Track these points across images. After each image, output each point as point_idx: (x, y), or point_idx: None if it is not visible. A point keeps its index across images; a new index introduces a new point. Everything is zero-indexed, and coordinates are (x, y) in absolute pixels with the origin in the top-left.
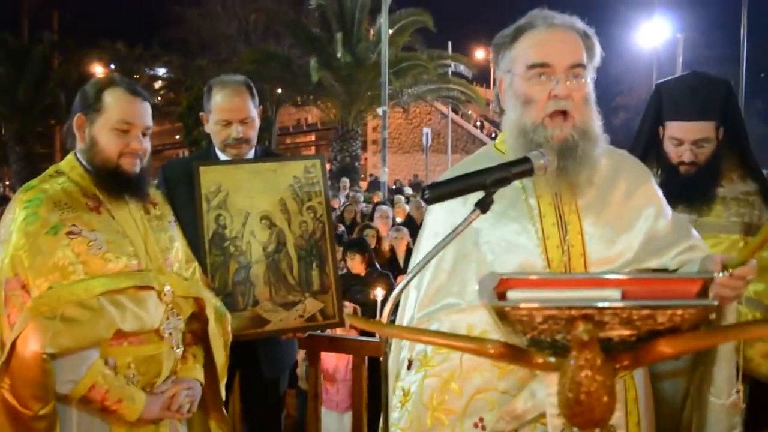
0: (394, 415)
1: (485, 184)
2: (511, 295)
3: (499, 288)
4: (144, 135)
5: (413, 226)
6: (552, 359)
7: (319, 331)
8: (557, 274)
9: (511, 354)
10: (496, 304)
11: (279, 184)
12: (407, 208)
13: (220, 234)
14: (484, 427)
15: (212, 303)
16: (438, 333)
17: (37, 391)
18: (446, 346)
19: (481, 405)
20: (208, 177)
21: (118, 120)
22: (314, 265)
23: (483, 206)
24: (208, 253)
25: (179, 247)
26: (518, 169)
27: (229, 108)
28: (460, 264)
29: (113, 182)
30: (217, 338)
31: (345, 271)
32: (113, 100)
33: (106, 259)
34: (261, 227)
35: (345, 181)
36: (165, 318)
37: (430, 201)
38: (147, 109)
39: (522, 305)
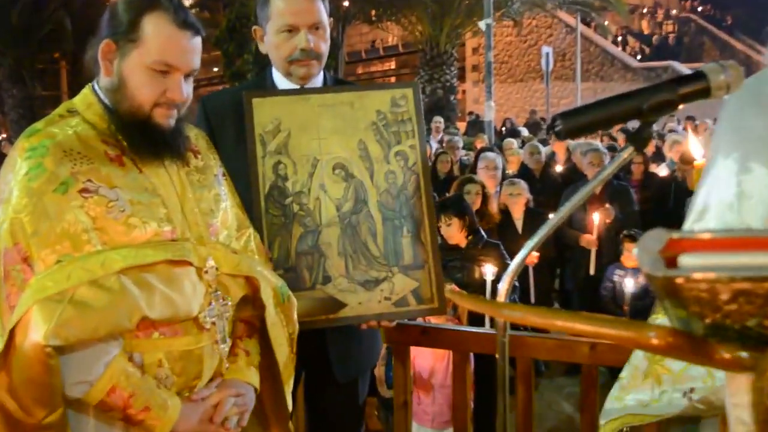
0: None
1: (641, 110)
2: (685, 261)
3: (668, 251)
4: (187, 78)
5: (530, 179)
6: (743, 354)
7: (408, 320)
8: (752, 229)
9: (683, 346)
10: (660, 274)
11: (358, 122)
12: (522, 155)
13: (279, 188)
14: (690, 399)
15: (271, 283)
16: (578, 315)
17: (41, 394)
18: (590, 334)
19: (697, 374)
20: (264, 111)
21: (158, 59)
22: (405, 230)
23: (639, 141)
24: (264, 212)
25: (228, 208)
26: (688, 88)
27: (295, 10)
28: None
29: (141, 138)
30: (278, 329)
31: (438, 241)
32: (155, 31)
33: (129, 225)
34: (334, 179)
35: (437, 121)
36: (207, 303)
37: (564, 134)
38: (197, 46)
39: (697, 275)
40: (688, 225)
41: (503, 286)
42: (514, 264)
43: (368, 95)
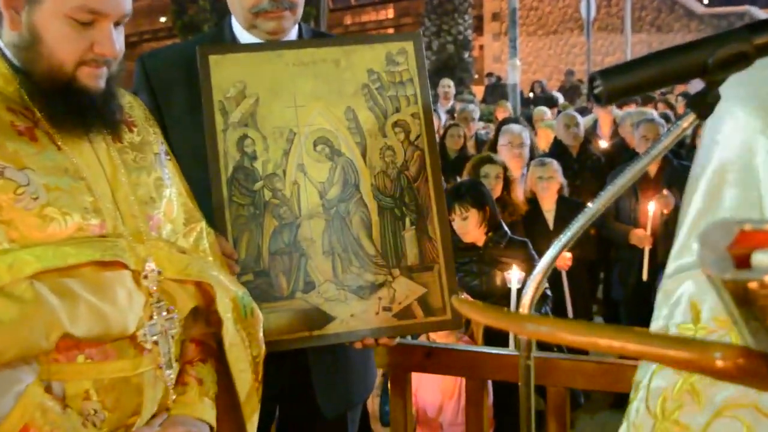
0: None
1: (705, 66)
2: (760, 259)
3: (738, 247)
4: (117, 27)
5: (566, 158)
6: None
7: (409, 337)
8: None
9: (758, 370)
10: (728, 277)
11: (345, 85)
12: (556, 128)
13: (246, 169)
14: None
15: (229, 291)
16: (626, 331)
17: None
18: (640, 355)
19: (729, 428)
20: (225, 72)
21: (80, 4)
22: (408, 221)
23: (703, 107)
24: (226, 202)
25: (173, 196)
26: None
27: None
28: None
29: (63, 106)
30: (238, 351)
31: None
32: None
33: (45, 217)
34: (316, 157)
35: (447, 86)
36: (147, 316)
37: (606, 98)
38: None
39: None
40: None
41: (528, 294)
42: (541, 265)
43: (357, 50)
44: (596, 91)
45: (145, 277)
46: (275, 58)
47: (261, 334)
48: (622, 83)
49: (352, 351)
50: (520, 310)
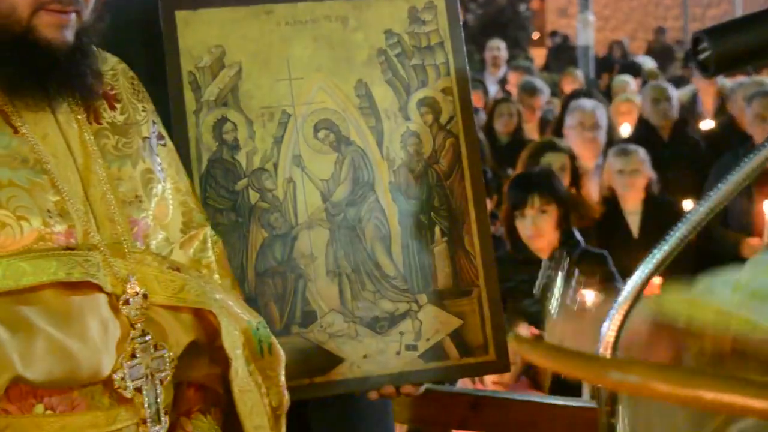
0: None
1: None
2: None
3: None
4: None
5: (654, 143)
6: None
7: (445, 383)
8: None
9: None
10: None
11: (355, 50)
12: (641, 103)
13: (225, 162)
14: None
15: (240, 321)
16: (741, 382)
17: None
18: (760, 412)
19: None
20: (197, 33)
21: None
22: (438, 231)
23: None
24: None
25: (168, 193)
26: None
27: None
28: None
29: (16, 66)
30: (252, 399)
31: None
32: None
33: None
34: (317, 147)
35: (496, 48)
36: (128, 355)
37: (715, 66)
38: None
39: None
40: None
41: (610, 328)
42: (627, 292)
43: (372, 5)
44: (702, 56)
45: (126, 302)
46: (263, 15)
47: (283, 378)
48: (738, 47)
49: (366, 403)
50: (601, 350)
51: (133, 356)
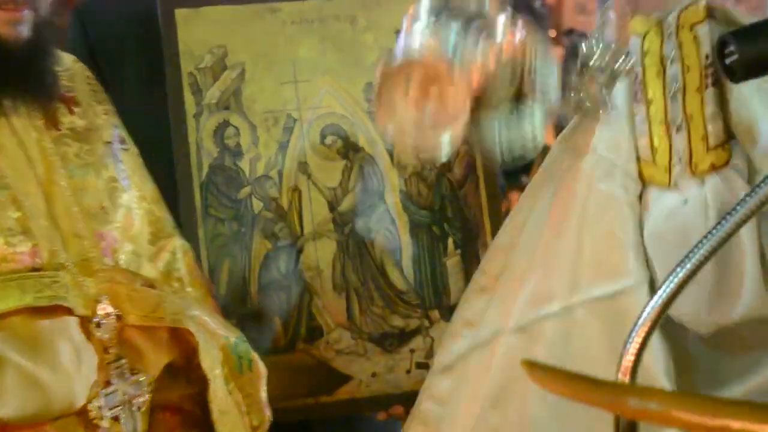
0: None
1: None
2: None
3: None
4: None
5: None
6: None
7: None
8: None
9: None
10: None
11: (364, 52)
12: None
13: (227, 170)
14: None
15: (218, 338)
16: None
17: None
18: None
19: None
20: (198, 32)
21: None
22: (451, 243)
23: None
24: (200, 215)
25: (134, 202)
26: None
27: None
28: None
29: None
30: (232, 420)
31: None
32: None
33: None
34: (324, 153)
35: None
36: (102, 381)
37: (742, 71)
38: None
39: None
40: None
41: (630, 353)
42: (647, 312)
43: (381, 3)
44: (729, 61)
45: (98, 325)
46: (267, 14)
47: (264, 395)
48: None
49: (374, 424)
50: (620, 376)
51: (108, 383)
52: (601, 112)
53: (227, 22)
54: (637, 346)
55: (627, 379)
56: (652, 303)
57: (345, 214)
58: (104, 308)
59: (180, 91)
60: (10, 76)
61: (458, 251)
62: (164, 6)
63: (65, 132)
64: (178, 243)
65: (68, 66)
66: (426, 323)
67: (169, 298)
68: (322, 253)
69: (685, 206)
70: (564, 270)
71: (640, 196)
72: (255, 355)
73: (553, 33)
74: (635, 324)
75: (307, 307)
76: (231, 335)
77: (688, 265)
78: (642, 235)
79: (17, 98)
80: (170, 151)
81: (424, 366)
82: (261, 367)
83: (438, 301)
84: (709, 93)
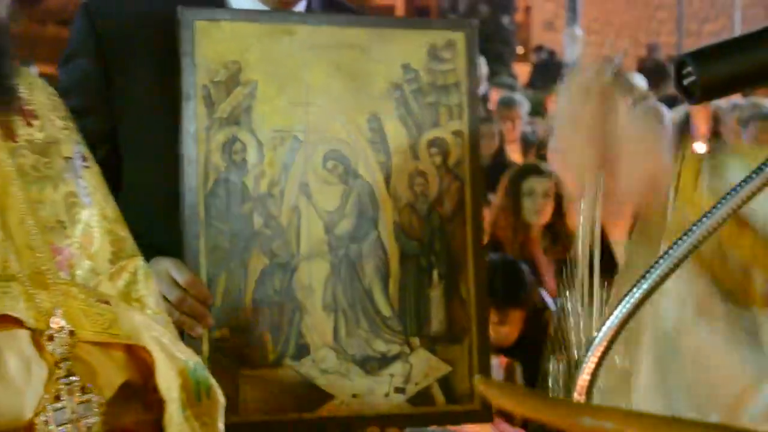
0: None
1: None
2: None
3: None
4: None
5: None
6: None
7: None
8: None
9: None
10: None
11: (371, 82)
12: None
13: (231, 185)
14: None
15: (175, 360)
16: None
17: None
18: None
19: None
20: (216, 46)
21: None
22: (436, 275)
23: None
24: (203, 226)
25: (94, 220)
26: None
27: None
28: None
29: None
30: None
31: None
32: None
33: None
34: (325, 177)
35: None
36: (52, 397)
37: (701, 93)
38: None
39: None
40: None
41: (585, 372)
42: (603, 332)
43: (393, 37)
44: (686, 81)
45: (50, 338)
46: (284, 35)
47: (221, 425)
48: (726, 72)
49: None
50: (575, 395)
51: (58, 398)
52: None
53: (244, 39)
54: (593, 366)
55: (582, 399)
56: (608, 323)
57: (340, 237)
58: (57, 322)
59: (194, 102)
60: None
61: (442, 283)
62: (184, 16)
63: (22, 144)
64: (140, 264)
65: (29, 79)
66: (407, 350)
67: (125, 315)
68: (315, 273)
69: None
70: None
71: None
72: (214, 382)
73: (521, 49)
74: (591, 344)
75: (297, 325)
76: (190, 360)
77: (645, 286)
78: None
79: None
80: (172, 157)
81: (401, 391)
82: (219, 396)
83: (419, 330)
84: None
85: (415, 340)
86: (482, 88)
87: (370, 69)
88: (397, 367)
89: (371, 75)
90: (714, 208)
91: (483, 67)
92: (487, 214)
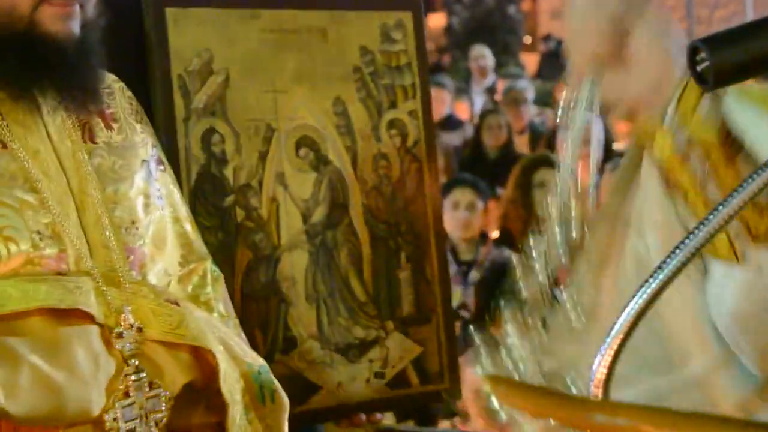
0: None
1: None
2: None
3: None
4: None
5: None
6: None
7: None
8: None
9: None
10: None
11: (333, 65)
12: None
13: (214, 178)
14: None
15: (240, 364)
16: (740, 424)
17: None
18: None
19: None
20: (187, 34)
21: None
22: (403, 256)
23: None
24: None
25: (167, 222)
26: None
27: None
28: None
29: (17, 63)
30: None
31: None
32: None
33: None
34: (298, 165)
35: (481, 56)
36: (121, 393)
37: (714, 80)
38: None
39: None
40: None
41: (601, 367)
42: (619, 324)
43: (348, 19)
44: (700, 68)
45: (120, 335)
46: (249, 21)
47: (286, 428)
48: (740, 57)
49: None
50: (592, 389)
51: (127, 394)
52: None
53: (213, 25)
54: (609, 359)
55: (600, 393)
56: (624, 315)
57: (316, 225)
58: (127, 320)
59: (170, 93)
60: (67, 78)
61: (409, 265)
62: (153, 4)
63: (101, 145)
64: (209, 268)
65: (108, 83)
66: (383, 333)
67: (193, 317)
68: (296, 263)
69: (762, 274)
70: None
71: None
72: (278, 386)
73: (528, 39)
74: (608, 336)
75: (284, 317)
76: (255, 363)
77: (661, 276)
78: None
79: (59, 99)
80: None
81: (381, 375)
82: (284, 399)
83: (392, 313)
84: (740, 159)
85: (390, 324)
86: (489, 79)
87: (330, 52)
88: (375, 352)
89: (332, 59)
90: (729, 196)
91: (490, 58)
92: (497, 207)
